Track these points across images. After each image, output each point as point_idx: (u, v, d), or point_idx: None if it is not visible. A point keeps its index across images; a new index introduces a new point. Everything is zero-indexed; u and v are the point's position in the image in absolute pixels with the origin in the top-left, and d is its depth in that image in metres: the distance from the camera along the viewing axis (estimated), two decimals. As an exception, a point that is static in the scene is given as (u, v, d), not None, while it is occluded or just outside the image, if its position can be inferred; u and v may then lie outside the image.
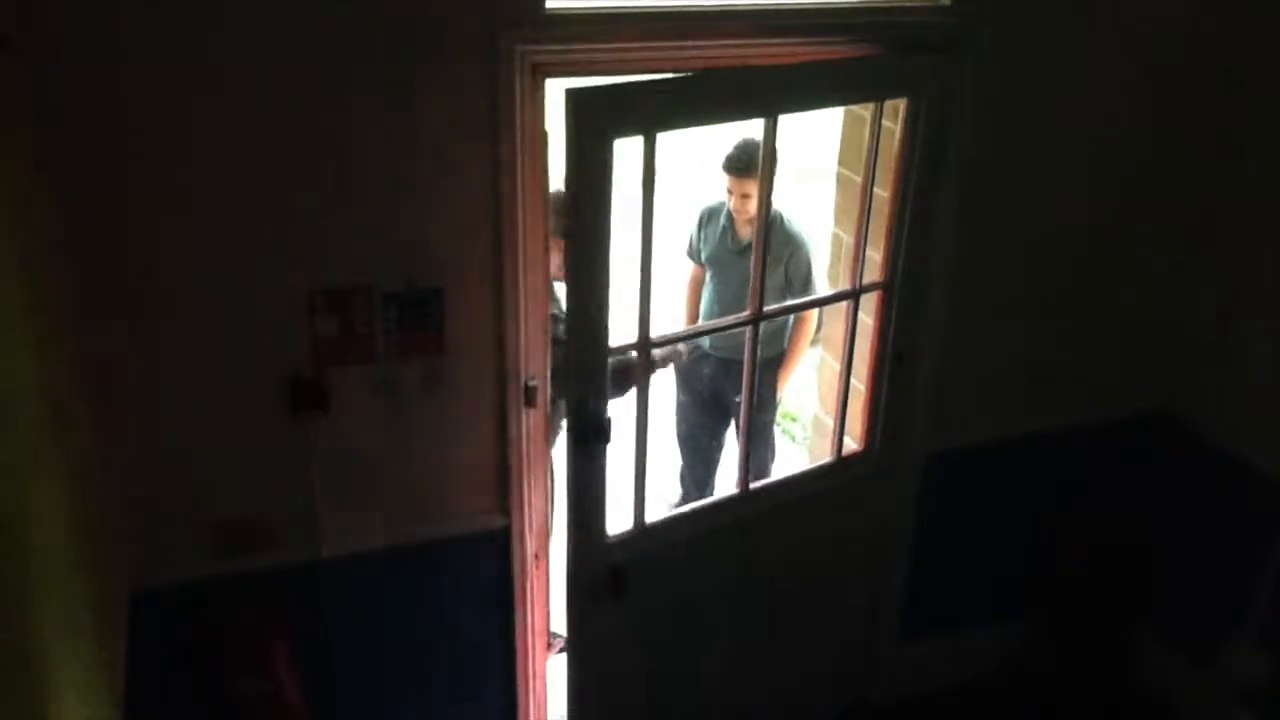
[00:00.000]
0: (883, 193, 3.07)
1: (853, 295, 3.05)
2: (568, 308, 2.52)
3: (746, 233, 4.03)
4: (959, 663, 3.64)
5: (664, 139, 2.41)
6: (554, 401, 2.99)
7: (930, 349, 3.14)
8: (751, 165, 3.81)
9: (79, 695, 1.86)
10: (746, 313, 2.87)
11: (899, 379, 3.17)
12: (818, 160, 8.89)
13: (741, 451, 3.01)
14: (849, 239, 3.42)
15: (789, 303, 3.15)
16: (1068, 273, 3.21)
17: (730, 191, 3.98)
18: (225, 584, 2.60)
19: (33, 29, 2.03)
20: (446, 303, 2.57)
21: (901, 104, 2.85)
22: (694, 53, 2.59)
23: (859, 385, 3.35)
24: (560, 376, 2.82)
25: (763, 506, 3.03)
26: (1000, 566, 3.58)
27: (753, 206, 3.92)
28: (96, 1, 2.09)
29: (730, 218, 4.08)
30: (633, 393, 2.88)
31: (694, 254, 4.33)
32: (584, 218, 2.39)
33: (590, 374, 2.58)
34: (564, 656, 2.89)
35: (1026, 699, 3.62)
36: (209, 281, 2.38)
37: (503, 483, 2.77)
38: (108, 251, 2.27)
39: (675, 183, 8.43)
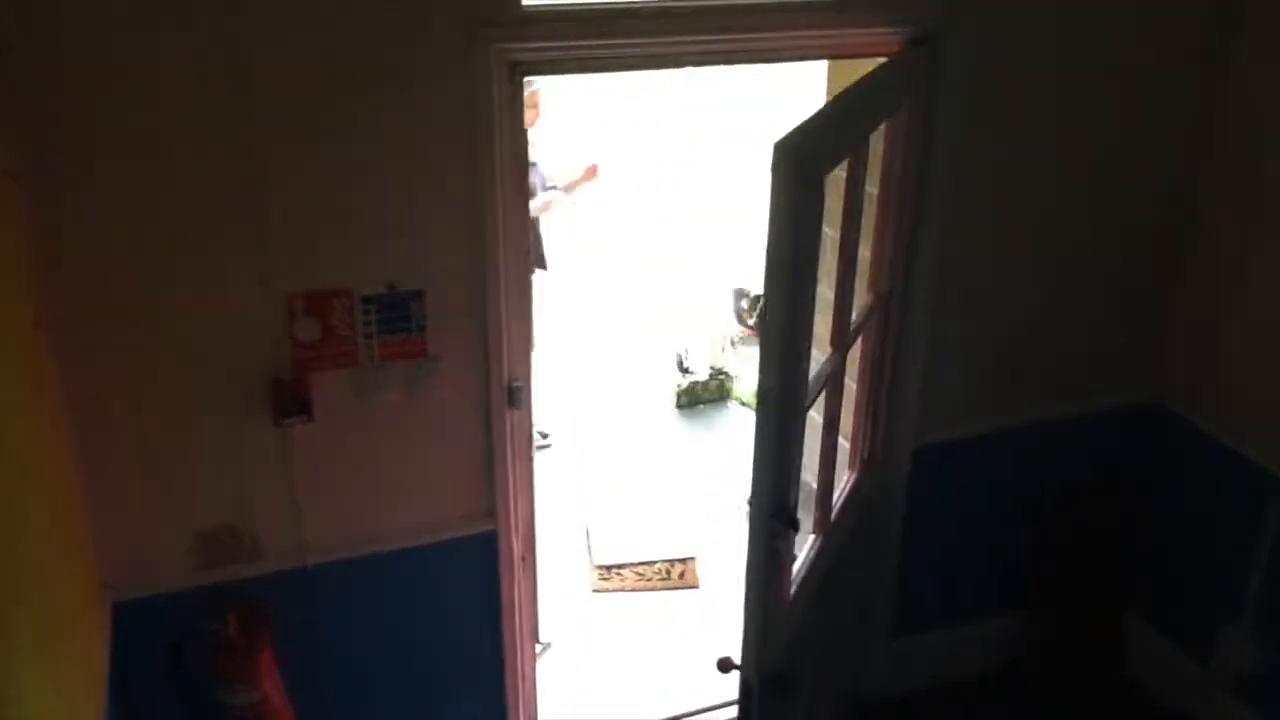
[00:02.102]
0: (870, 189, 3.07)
1: (883, 304, 3.04)
2: (760, 384, 2.28)
3: None
4: (952, 657, 3.63)
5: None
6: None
7: (919, 343, 3.13)
8: None
9: (56, 706, 1.84)
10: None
11: (894, 376, 3.16)
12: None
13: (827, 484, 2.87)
14: (834, 234, 3.41)
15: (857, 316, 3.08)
16: (1055, 266, 3.20)
17: None
18: (210, 593, 2.57)
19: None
20: (428, 305, 2.54)
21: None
22: (675, 48, 2.59)
23: (850, 384, 3.34)
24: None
25: (840, 540, 2.98)
26: (991, 560, 3.57)
27: None
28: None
29: None
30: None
31: None
32: (798, 281, 2.16)
33: (788, 449, 2.39)
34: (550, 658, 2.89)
35: (1020, 692, 3.62)
36: (187, 286, 2.35)
37: (488, 485, 2.75)
38: (85, 258, 2.25)
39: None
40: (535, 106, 4.82)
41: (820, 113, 2.31)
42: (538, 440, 4.78)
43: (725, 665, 2.88)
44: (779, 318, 2.15)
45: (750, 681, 2.47)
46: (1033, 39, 2.88)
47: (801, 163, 2.08)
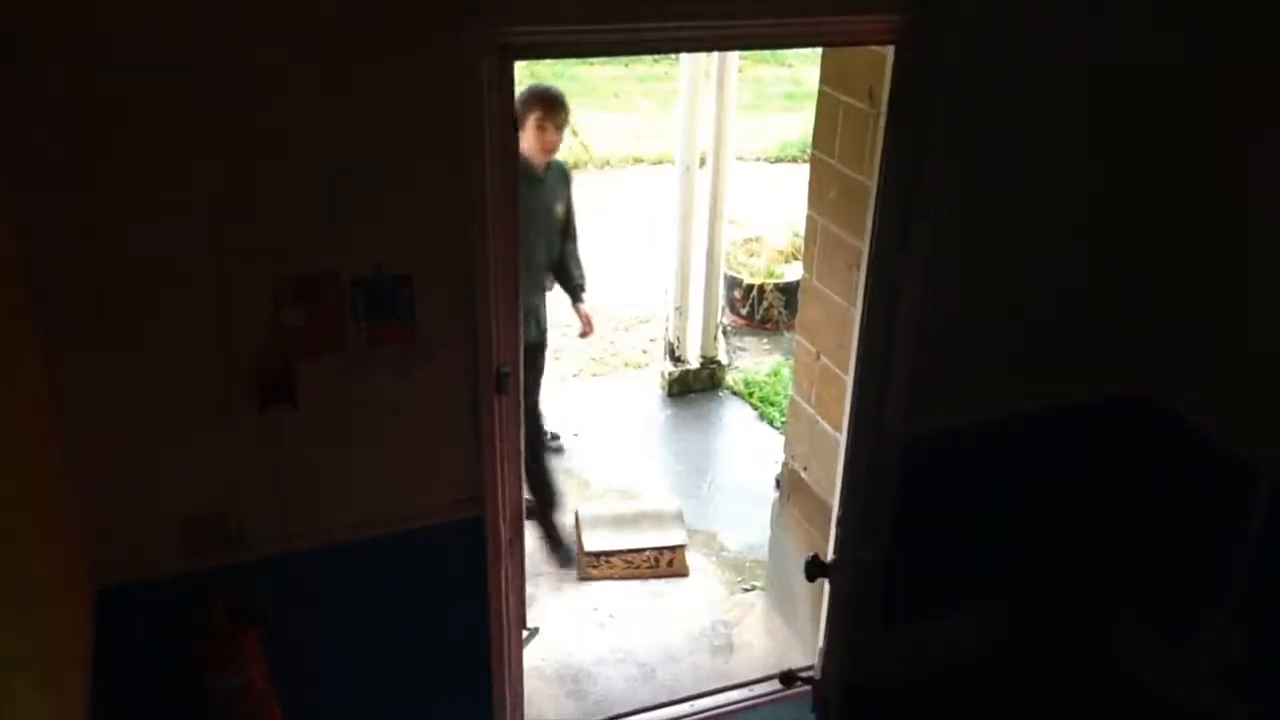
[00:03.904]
0: (857, 175, 3.06)
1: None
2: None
3: None
4: (939, 647, 3.63)
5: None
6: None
7: (908, 334, 3.12)
8: None
9: (38, 693, 1.83)
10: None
11: (884, 367, 3.15)
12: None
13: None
14: (823, 221, 3.41)
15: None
16: (1046, 258, 3.19)
17: None
18: (195, 580, 2.55)
19: None
20: (416, 289, 2.53)
21: (885, 88, 2.84)
22: (666, 34, 2.58)
23: (840, 373, 3.34)
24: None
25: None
26: (980, 550, 3.57)
27: None
28: None
29: None
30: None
31: None
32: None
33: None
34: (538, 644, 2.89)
35: (1006, 683, 3.63)
36: (172, 271, 2.33)
37: (476, 471, 2.74)
38: (69, 242, 2.23)
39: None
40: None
41: None
42: (549, 443, 4.97)
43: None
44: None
45: (830, 693, 2.48)
46: (1024, 27, 2.86)
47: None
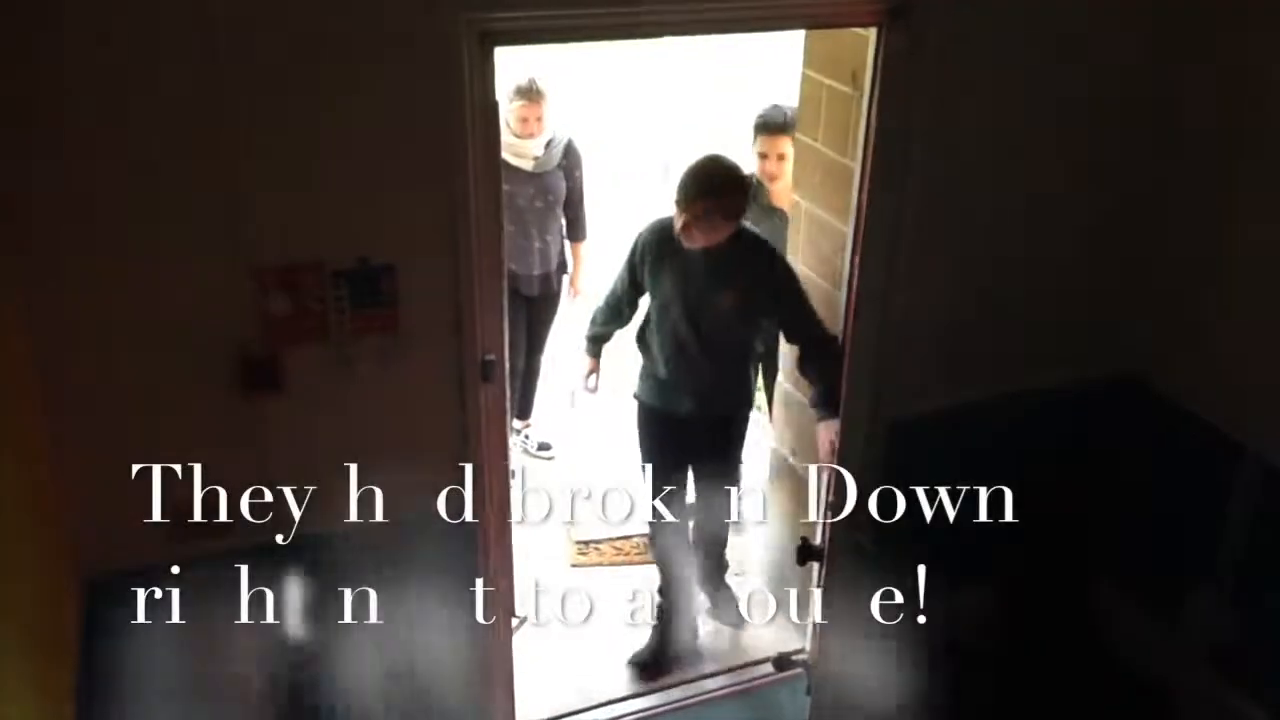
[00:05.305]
0: (840, 158, 3.05)
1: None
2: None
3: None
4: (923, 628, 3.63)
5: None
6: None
7: (895, 316, 3.11)
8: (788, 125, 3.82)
9: (24, 685, 1.82)
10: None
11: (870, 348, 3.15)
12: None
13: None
14: (808, 205, 3.41)
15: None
16: (1033, 239, 3.18)
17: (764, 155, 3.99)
18: (183, 568, 2.54)
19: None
20: (400, 279, 2.52)
21: (867, 71, 2.83)
22: (650, 17, 2.56)
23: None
24: None
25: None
26: (964, 532, 3.57)
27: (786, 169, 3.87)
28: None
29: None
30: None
31: None
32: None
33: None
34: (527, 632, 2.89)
35: (996, 663, 3.64)
36: (156, 260, 2.32)
37: (462, 458, 2.74)
38: (53, 233, 2.22)
39: (640, 155, 8.37)
40: (538, 119, 4.28)
41: None
42: (538, 452, 4.92)
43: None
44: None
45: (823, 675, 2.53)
46: (1009, 6, 2.85)
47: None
